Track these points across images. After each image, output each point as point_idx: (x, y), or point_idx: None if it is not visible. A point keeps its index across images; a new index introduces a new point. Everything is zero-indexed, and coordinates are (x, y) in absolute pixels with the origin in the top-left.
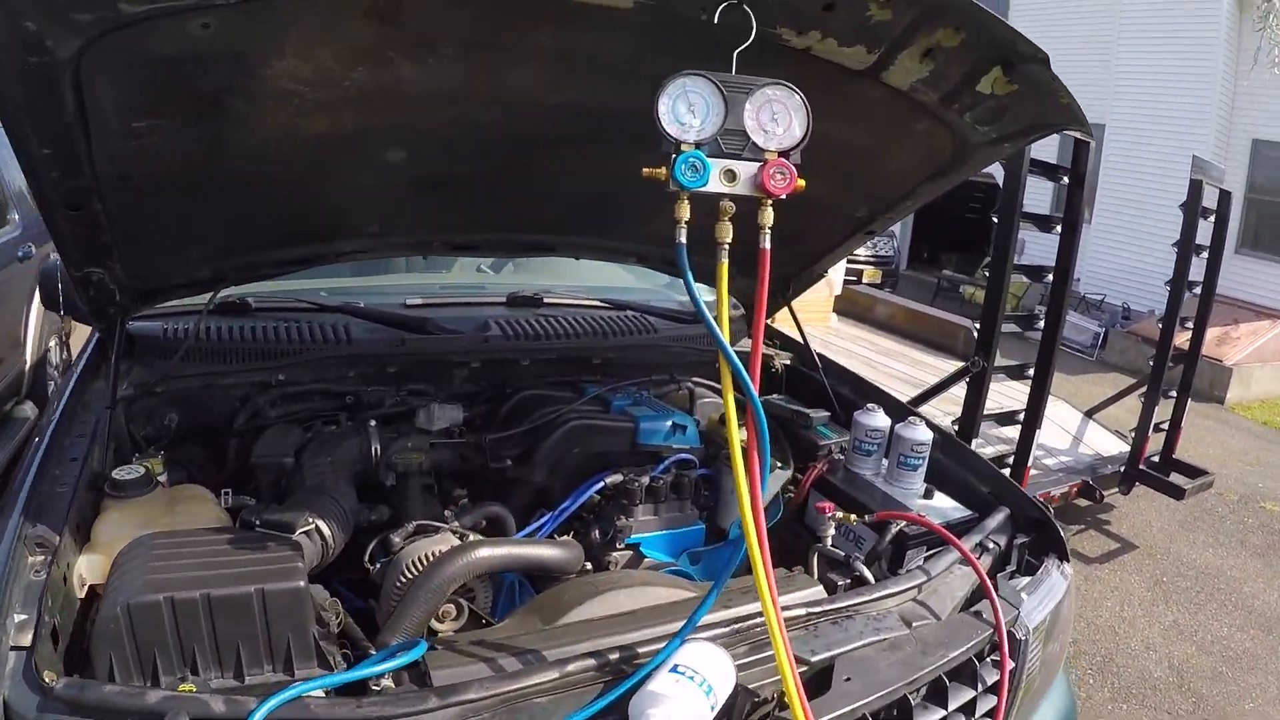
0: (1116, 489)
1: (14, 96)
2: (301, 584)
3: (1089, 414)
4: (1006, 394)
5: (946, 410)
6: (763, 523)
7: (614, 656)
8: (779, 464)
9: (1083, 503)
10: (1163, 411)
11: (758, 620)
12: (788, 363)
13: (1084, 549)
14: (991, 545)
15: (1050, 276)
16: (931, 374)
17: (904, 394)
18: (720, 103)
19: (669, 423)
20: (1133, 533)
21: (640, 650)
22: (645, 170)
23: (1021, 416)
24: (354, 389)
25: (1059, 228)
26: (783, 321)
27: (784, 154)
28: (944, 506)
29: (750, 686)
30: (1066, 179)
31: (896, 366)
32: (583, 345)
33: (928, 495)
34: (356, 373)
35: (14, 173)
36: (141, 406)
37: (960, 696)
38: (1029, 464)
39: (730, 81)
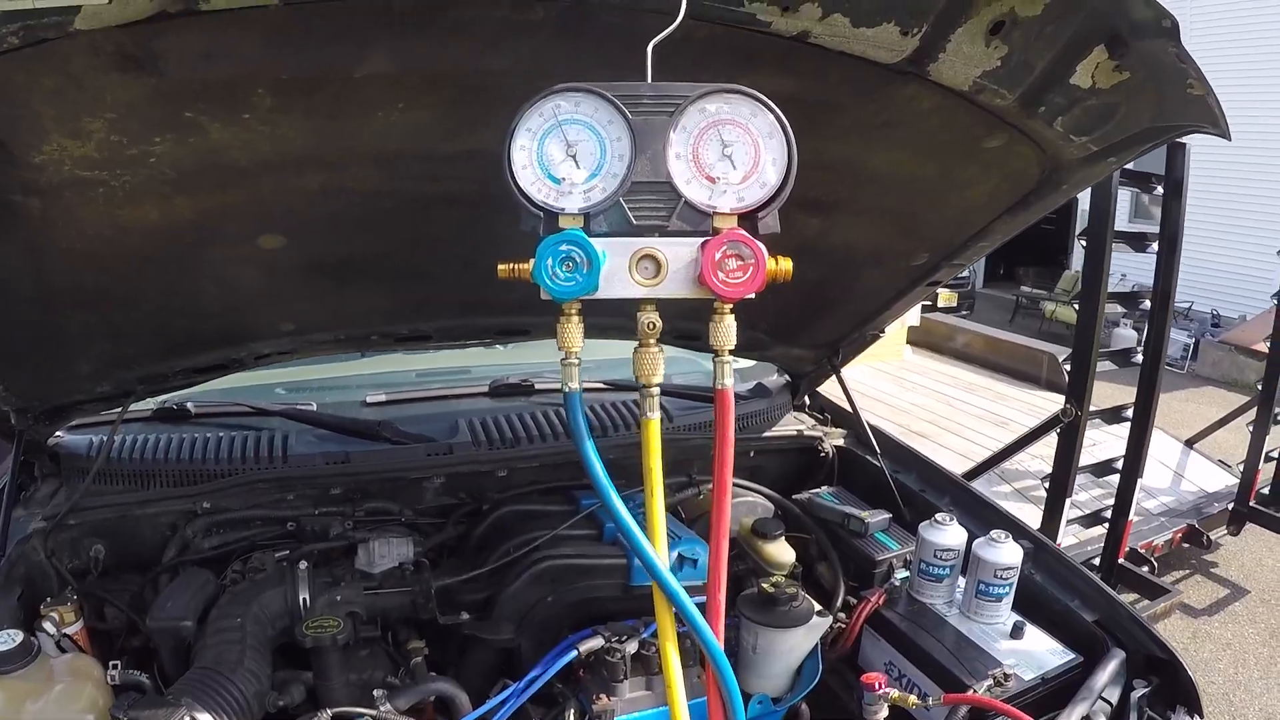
0: (1225, 529)
1: None
2: None
3: (1189, 443)
4: (1098, 432)
5: (1033, 453)
6: None
7: None
8: (816, 609)
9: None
10: (1274, 439)
11: None
12: (840, 444)
13: (1190, 598)
14: (1102, 704)
15: (1146, 303)
16: (1016, 408)
17: (986, 434)
18: (624, 135)
19: (675, 554)
20: (1244, 576)
21: None
22: (501, 267)
23: (1120, 464)
24: (296, 514)
25: (1154, 245)
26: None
27: (749, 215)
28: (1039, 651)
29: None
30: (1161, 188)
31: (977, 402)
32: (570, 449)
33: (1016, 634)
34: (296, 495)
35: None
36: (63, 537)
37: None
38: (1130, 516)
39: (641, 97)
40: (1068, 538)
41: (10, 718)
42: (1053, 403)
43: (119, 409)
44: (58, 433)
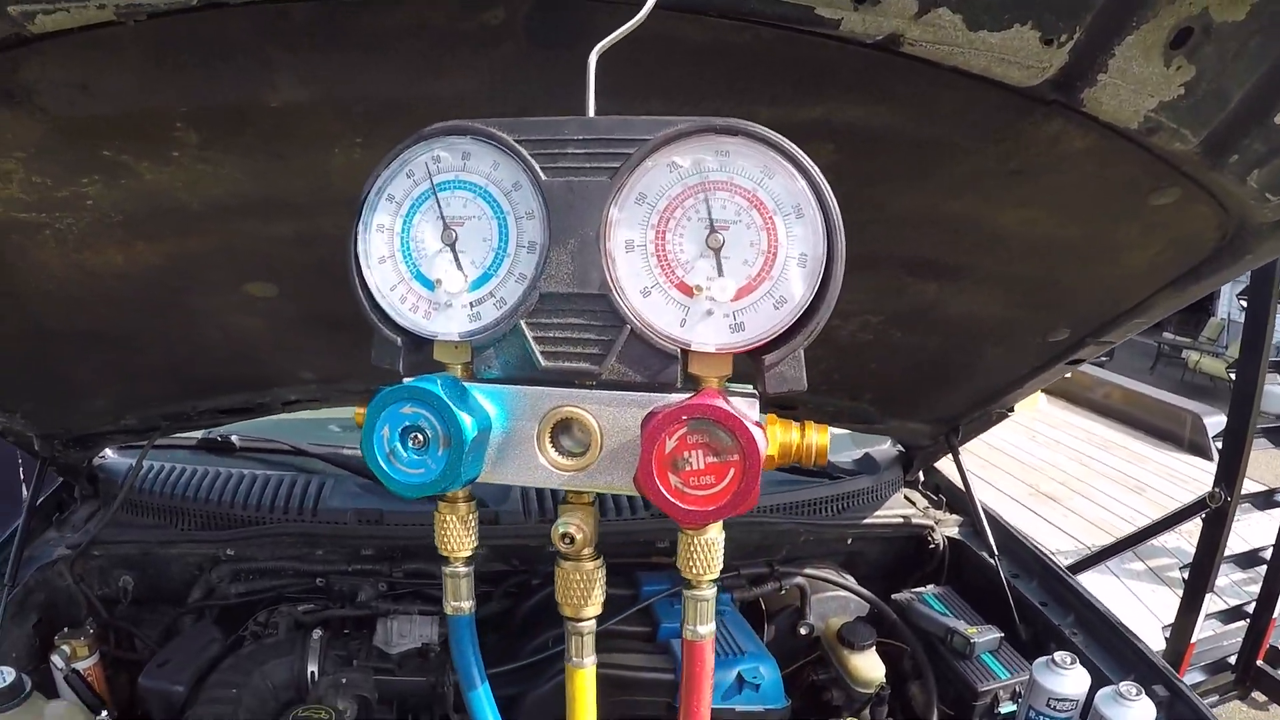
0: None
1: None
2: None
3: None
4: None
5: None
6: None
7: None
8: None
9: None
10: None
11: None
12: (953, 534)
13: None
14: None
15: None
16: (1154, 472)
17: (1121, 500)
18: (536, 210)
19: (734, 673)
20: None
21: None
22: (358, 411)
23: (1269, 554)
24: (325, 570)
25: None
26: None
27: (754, 355)
28: None
29: None
30: None
31: (1112, 463)
32: (632, 529)
33: None
34: (326, 551)
35: None
36: (92, 564)
37: None
38: (1276, 615)
39: (568, 142)
40: (1205, 631)
41: None
42: (1193, 468)
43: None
44: (105, 452)
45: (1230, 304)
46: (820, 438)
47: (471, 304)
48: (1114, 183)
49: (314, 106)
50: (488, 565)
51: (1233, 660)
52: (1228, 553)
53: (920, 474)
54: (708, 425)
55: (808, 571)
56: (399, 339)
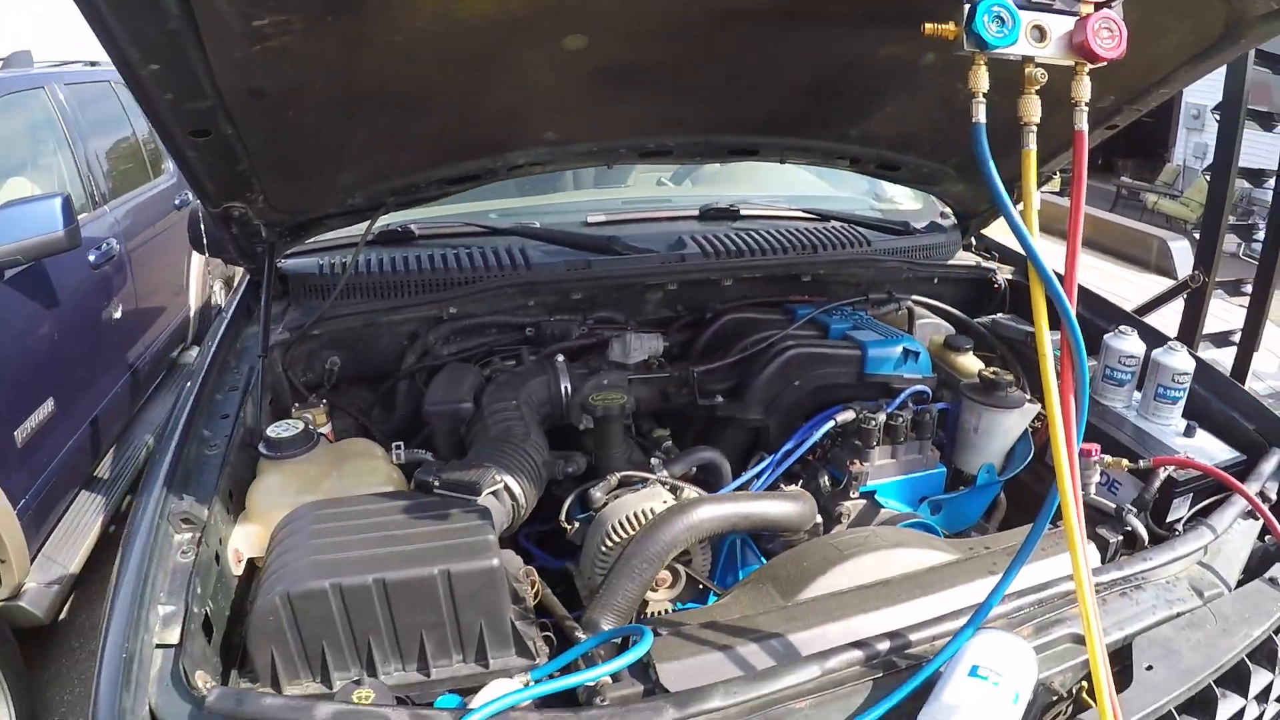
0: None
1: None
2: (495, 562)
3: None
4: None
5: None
6: (1078, 479)
7: (883, 646)
8: (1027, 396)
9: None
10: None
11: (1043, 595)
12: (1010, 277)
13: None
14: (1267, 494)
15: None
16: (1127, 288)
17: None
18: None
19: (900, 348)
20: None
21: (915, 638)
22: (928, 26)
23: (1237, 338)
24: (534, 320)
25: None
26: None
27: (1101, 5)
28: (1209, 448)
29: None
30: None
31: (1087, 280)
32: (790, 261)
33: (1189, 433)
34: (537, 302)
35: None
36: (300, 351)
37: (1260, 681)
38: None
39: None
40: None
41: (308, 494)
42: (1162, 285)
43: (348, 229)
44: (282, 258)
45: (1185, 150)
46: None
47: None
48: None
49: None
50: (658, 312)
51: None
52: (1206, 330)
53: (973, 240)
54: (1108, 22)
55: (915, 298)
56: None
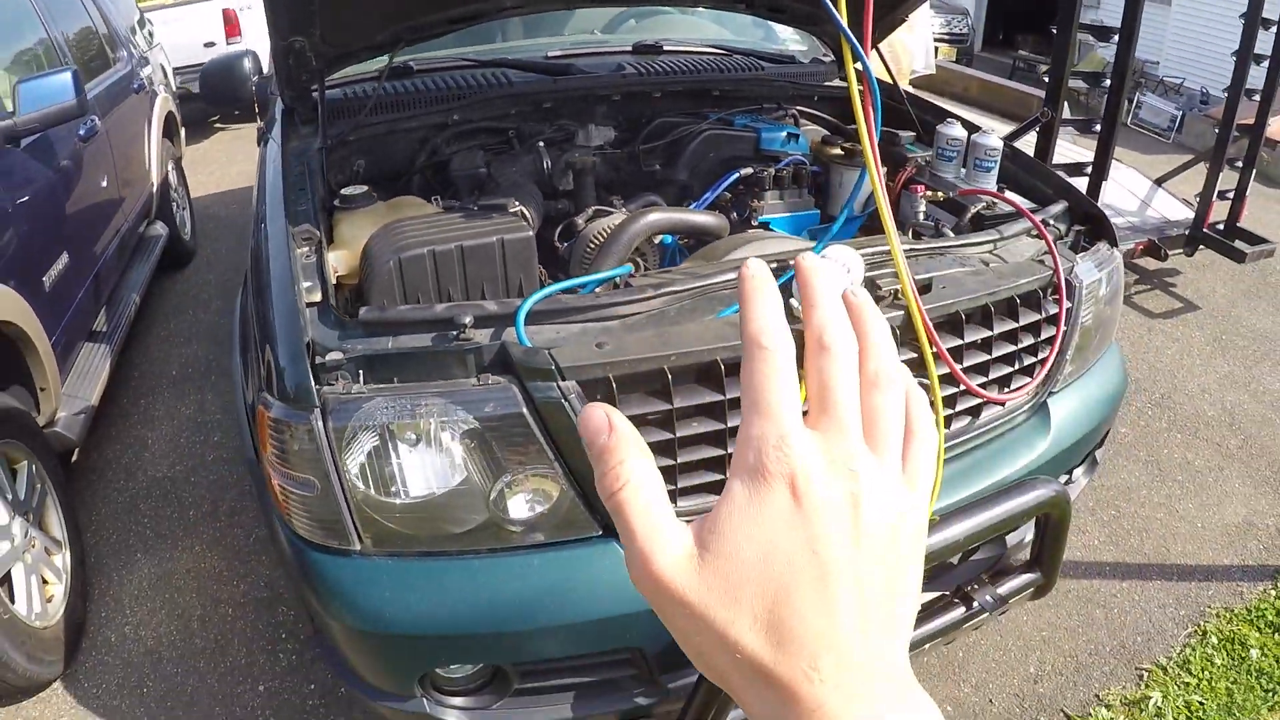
0: (1181, 250)
1: None
2: (531, 233)
3: (1158, 182)
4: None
5: None
6: (880, 164)
7: (778, 262)
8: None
9: (1150, 264)
10: (1227, 181)
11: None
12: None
13: (1149, 306)
14: (1052, 226)
15: (1116, 38)
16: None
17: None
18: None
19: (784, 133)
20: (1197, 296)
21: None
22: None
23: (1089, 169)
24: (515, 125)
25: None
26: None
27: None
28: (1015, 200)
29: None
30: None
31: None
32: (704, 80)
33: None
34: (517, 110)
35: (119, 17)
36: (335, 156)
37: (1027, 316)
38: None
39: None
40: None
41: (361, 237)
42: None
43: (372, 63)
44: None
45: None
46: None
47: None
48: None
49: None
50: (605, 120)
51: None
52: (1057, 162)
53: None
54: None
55: (799, 109)
56: None
